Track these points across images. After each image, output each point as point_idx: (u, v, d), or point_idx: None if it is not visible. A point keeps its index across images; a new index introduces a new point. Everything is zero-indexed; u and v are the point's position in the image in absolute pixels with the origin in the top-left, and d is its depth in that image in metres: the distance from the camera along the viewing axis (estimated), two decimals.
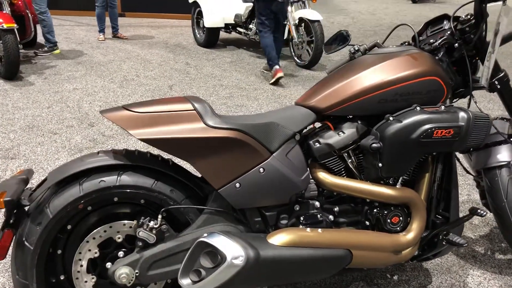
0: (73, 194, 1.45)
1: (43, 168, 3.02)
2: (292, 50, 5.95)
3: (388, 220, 1.70)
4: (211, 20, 6.45)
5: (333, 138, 1.67)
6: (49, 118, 3.88)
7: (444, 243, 1.73)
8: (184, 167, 1.67)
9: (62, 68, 5.35)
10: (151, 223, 1.50)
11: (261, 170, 1.54)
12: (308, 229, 1.58)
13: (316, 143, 1.67)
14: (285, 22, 5.93)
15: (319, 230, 1.59)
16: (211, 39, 6.73)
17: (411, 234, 1.69)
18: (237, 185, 1.53)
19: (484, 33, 1.82)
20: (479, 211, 1.71)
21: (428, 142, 1.59)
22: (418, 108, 1.63)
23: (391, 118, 1.62)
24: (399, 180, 1.73)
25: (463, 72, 1.89)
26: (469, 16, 1.81)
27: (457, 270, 2.09)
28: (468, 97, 1.88)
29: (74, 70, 5.32)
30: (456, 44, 1.83)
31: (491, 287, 1.99)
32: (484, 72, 1.80)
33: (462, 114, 1.62)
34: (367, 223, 1.73)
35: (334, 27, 8.45)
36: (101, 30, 6.83)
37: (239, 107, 4.35)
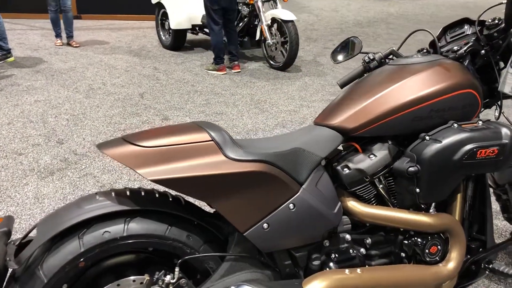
0: (72, 251, 1.19)
1: (10, 196, 2.68)
2: (265, 52, 5.75)
3: (427, 251, 1.52)
4: (177, 21, 6.15)
5: (364, 162, 1.48)
6: (11, 136, 3.51)
7: (487, 272, 1.58)
8: (197, 204, 1.44)
9: (19, 78, 4.93)
10: (167, 278, 1.26)
11: (291, 206, 1.33)
12: (347, 271, 1.38)
13: (346, 169, 1.47)
14: (257, 23, 5.74)
15: (358, 270, 1.39)
16: (177, 41, 6.43)
17: (451, 263, 1.53)
18: (265, 225, 1.31)
19: None
20: None
21: (471, 164, 1.42)
22: (455, 125, 1.46)
23: (427, 138, 1.44)
24: (432, 205, 1.56)
25: (486, 80, 1.74)
26: (497, 21, 1.66)
27: None
28: (495, 107, 1.73)
29: (33, 79, 4.91)
30: (483, 51, 1.68)
31: None
32: (509, 79, 1.66)
33: (505, 131, 1.46)
34: (403, 254, 1.55)
35: (300, 25, 8.31)
36: (58, 35, 6.38)
37: (218, 114, 4.11)
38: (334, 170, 1.50)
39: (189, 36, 6.74)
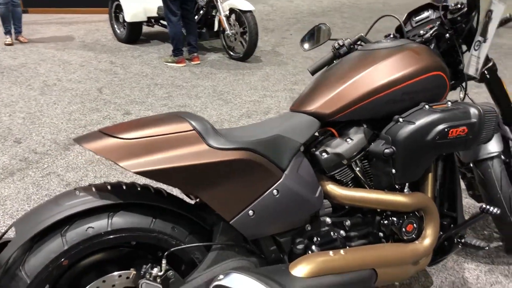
0: (56, 249, 1.15)
1: None
2: (224, 43, 5.71)
3: (403, 229, 1.57)
4: (132, 14, 5.99)
5: (341, 146, 1.50)
6: None
7: (460, 246, 1.65)
8: (179, 196, 1.42)
9: None
10: (155, 271, 1.24)
11: (275, 192, 1.34)
12: (331, 253, 1.41)
13: (324, 154, 1.49)
14: (215, 14, 5.69)
15: (341, 252, 1.42)
16: (133, 34, 6.27)
17: (427, 240, 1.59)
18: (250, 212, 1.31)
19: (476, 22, 1.75)
20: (491, 209, 1.65)
21: (443, 143, 1.48)
22: (426, 106, 1.51)
23: (401, 120, 1.49)
24: (406, 185, 1.62)
25: (450, 63, 1.81)
26: (459, 5, 1.73)
27: (452, 265, 2.05)
28: (459, 89, 1.81)
29: None
30: (447, 35, 1.74)
31: (489, 279, 1.97)
32: (472, 62, 1.73)
33: (473, 110, 1.52)
34: (381, 234, 1.60)
35: (256, 16, 8.29)
36: (7, 32, 6.07)
37: (181, 107, 4.05)
38: (313, 155, 1.52)
39: (145, 28, 6.59)
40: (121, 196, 1.24)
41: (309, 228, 1.48)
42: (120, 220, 1.22)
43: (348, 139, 1.52)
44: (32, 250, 1.15)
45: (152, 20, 6.21)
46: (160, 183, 1.27)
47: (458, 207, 1.71)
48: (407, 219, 1.58)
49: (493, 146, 1.91)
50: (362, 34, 1.84)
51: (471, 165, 1.99)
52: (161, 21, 6.12)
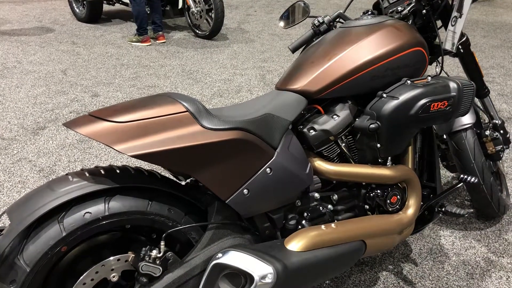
0: (54, 236, 1.13)
1: None
2: (189, 21, 5.61)
3: (388, 201, 1.64)
4: None
5: (328, 123, 1.53)
6: None
7: (441, 215, 1.73)
8: (171, 177, 1.42)
9: None
10: (153, 253, 1.24)
11: (268, 170, 1.36)
12: (323, 227, 1.45)
13: (311, 131, 1.52)
14: None
15: (333, 225, 1.47)
16: (93, 13, 6.06)
17: (410, 210, 1.66)
18: (245, 191, 1.33)
19: None
20: (468, 178, 1.73)
21: (426, 117, 1.53)
22: (409, 82, 1.56)
23: (384, 95, 1.53)
24: (389, 158, 1.67)
25: (426, 39, 1.86)
26: None
27: (429, 233, 2.15)
28: (435, 64, 1.86)
29: None
30: (424, 11, 1.79)
31: (463, 244, 2.08)
32: (449, 37, 1.79)
33: (452, 84, 1.58)
34: (366, 206, 1.66)
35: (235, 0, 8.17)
36: None
37: (151, 87, 3.98)
38: (300, 132, 1.54)
39: (106, 6, 6.38)
40: (116, 180, 1.23)
41: (299, 204, 1.52)
42: (117, 204, 1.21)
43: (334, 116, 1.55)
44: (29, 238, 1.13)
45: None
46: (153, 165, 1.26)
47: (437, 177, 1.79)
48: (391, 191, 1.64)
49: (466, 118, 1.99)
50: (341, 11, 1.86)
51: (445, 136, 2.07)
52: None
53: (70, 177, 1.22)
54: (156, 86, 4.01)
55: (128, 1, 5.77)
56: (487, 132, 2.07)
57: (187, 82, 4.13)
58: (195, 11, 5.37)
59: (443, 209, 1.71)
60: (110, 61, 4.63)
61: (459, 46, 1.91)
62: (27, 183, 2.52)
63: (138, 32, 5.18)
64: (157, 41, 5.28)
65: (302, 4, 1.94)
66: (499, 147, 2.07)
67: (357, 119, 1.57)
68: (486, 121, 2.16)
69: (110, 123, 1.17)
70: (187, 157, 1.21)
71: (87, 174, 1.23)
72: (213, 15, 5.28)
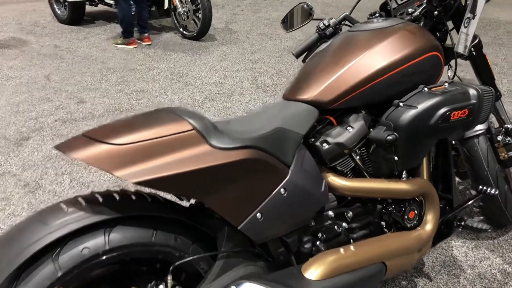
0: (48, 276, 1.00)
1: None
2: (176, 22, 5.45)
3: (406, 217, 1.53)
4: None
5: (342, 135, 1.42)
6: None
7: (460, 229, 1.63)
8: (174, 200, 1.29)
9: None
10: None
11: (282, 191, 1.24)
12: (341, 250, 1.34)
13: (325, 144, 1.41)
14: None
15: (351, 247, 1.36)
16: (76, 14, 5.86)
17: (428, 225, 1.56)
18: (259, 215, 1.21)
19: None
20: (488, 190, 1.64)
21: (446, 126, 1.43)
22: (426, 89, 1.46)
23: (401, 105, 1.42)
24: (404, 171, 1.57)
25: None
26: None
27: (440, 244, 2.06)
28: (447, 68, 1.77)
29: None
30: (436, 12, 1.69)
31: (477, 255, 1.99)
32: (461, 39, 1.69)
33: (472, 91, 1.48)
34: (383, 223, 1.55)
35: None
36: None
37: (139, 92, 3.83)
38: (313, 146, 1.43)
39: (88, 7, 6.18)
40: (116, 208, 1.10)
41: (313, 224, 1.40)
42: (118, 236, 1.08)
43: (348, 127, 1.44)
44: (20, 280, 0.99)
45: None
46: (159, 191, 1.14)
47: (453, 188, 1.69)
48: (408, 206, 1.53)
49: (479, 124, 1.90)
50: (347, 13, 1.76)
51: (453, 142, 1.98)
52: (106, 0, 5.74)
53: (64, 206, 1.09)
54: (144, 91, 3.86)
55: (111, 2, 5.60)
56: (499, 138, 1.98)
57: (176, 86, 3.98)
58: (182, 12, 5.22)
59: (463, 223, 1.61)
60: (95, 65, 4.46)
61: (472, 49, 1.82)
62: (12, 200, 2.36)
63: (123, 35, 5.01)
64: (142, 43, 5.11)
65: (305, 6, 1.83)
66: (511, 153, 1.99)
67: (372, 130, 1.46)
68: (497, 126, 2.07)
69: (108, 146, 1.04)
70: (196, 181, 1.09)
71: (83, 203, 1.09)
72: (200, 16, 5.14)
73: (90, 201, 1.10)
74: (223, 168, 1.11)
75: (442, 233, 1.68)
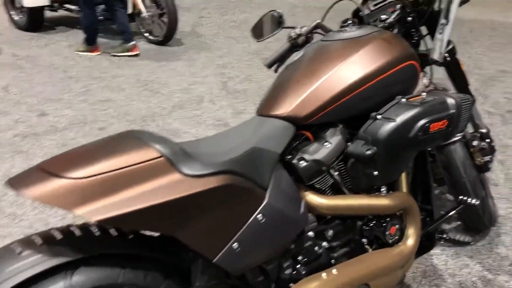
0: None
1: None
2: (140, 26, 5.30)
3: (387, 233, 1.48)
4: None
5: (320, 151, 1.35)
6: None
7: (442, 242, 1.59)
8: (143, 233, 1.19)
9: None
10: None
11: (260, 217, 1.16)
12: (323, 275, 1.27)
13: (302, 162, 1.33)
14: None
15: (334, 271, 1.29)
16: (35, 20, 5.62)
17: (410, 240, 1.51)
18: (235, 246, 1.12)
19: (439, 3, 1.67)
20: (469, 200, 1.60)
21: (426, 139, 1.38)
22: (403, 100, 1.40)
23: (379, 117, 1.36)
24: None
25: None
26: None
27: None
28: (423, 75, 1.73)
29: None
30: (409, 18, 1.64)
31: (457, 262, 1.96)
32: (437, 45, 1.66)
33: (450, 101, 1.44)
34: (364, 240, 1.49)
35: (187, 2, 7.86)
36: None
37: (104, 102, 3.68)
38: (289, 164, 1.35)
39: (48, 13, 5.93)
40: (78, 247, 0.99)
41: (293, 247, 1.33)
42: (81, 279, 0.97)
43: (325, 143, 1.37)
44: None
45: (55, 4, 5.59)
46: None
47: (432, 199, 1.66)
48: (390, 221, 1.48)
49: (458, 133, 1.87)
50: (319, 21, 1.69)
51: (430, 149, 1.94)
52: (66, 5, 5.53)
53: (17, 248, 0.97)
54: (110, 100, 3.71)
55: (73, 7, 5.39)
56: (475, 143, 1.96)
57: (144, 94, 3.85)
58: (147, 16, 5.07)
59: (445, 236, 1.57)
60: (57, 74, 4.27)
61: (446, 55, 1.78)
62: None
63: (87, 42, 4.82)
64: (131, 53, 4.76)
65: (275, 14, 1.76)
66: (487, 158, 1.97)
67: (350, 145, 1.40)
68: (471, 131, 2.05)
69: (66, 180, 0.93)
70: (166, 215, 1.00)
71: (40, 242, 0.98)
72: (166, 20, 5.01)
73: (48, 240, 0.99)
74: (196, 197, 1.02)
75: (423, 246, 1.63)
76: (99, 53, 4.83)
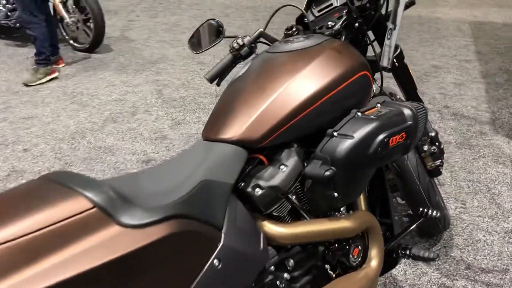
0: None
1: None
2: (64, 33, 4.93)
3: (350, 256, 1.38)
4: None
5: (276, 177, 1.22)
6: None
7: (406, 258, 1.52)
8: None
9: None
10: None
11: (216, 262, 1.01)
12: None
13: (257, 189, 1.20)
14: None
15: None
16: None
17: (374, 261, 1.42)
18: None
19: (386, 8, 1.60)
20: (430, 212, 1.54)
21: (386, 154, 1.29)
22: (359, 114, 1.30)
23: (335, 134, 1.26)
24: None
25: None
26: None
27: None
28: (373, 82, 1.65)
29: None
30: (356, 24, 1.56)
31: (415, 271, 1.92)
32: (386, 51, 1.58)
33: (407, 111, 1.36)
34: (326, 266, 1.38)
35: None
36: None
37: (27, 119, 3.35)
38: (243, 192, 1.21)
39: None
40: None
41: (253, 286, 1.19)
42: None
43: (281, 166, 1.24)
44: None
45: None
46: None
47: (392, 213, 1.58)
48: (352, 243, 1.38)
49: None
50: (261, 29, 1.56)
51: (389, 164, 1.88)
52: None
53: None
54: (34, 117, 3.38)
55: (12, 23, 4.86)
56: (425, 147, 1.92)
57: (71, 108, 3.55)
58: (70, 22, 4.72)
59: (408, 252, 1.50)
60: None
61: (394, 60, 1.72)
62: None
63: (43, 64, 4.02)
64: (58, 66, 4.36)
65: (214, 23, 1.60)
66: (438, 162, 1.94)
67: (307, 165, 1.28)
68: None
69: None
70: (107, 277, 0.82)
71: None
72: (92, 25, 4.68)
73: None
74: (140, 252, 0.86)
75: (386, 263, 1.55)
76: (56, 74, 4.17)
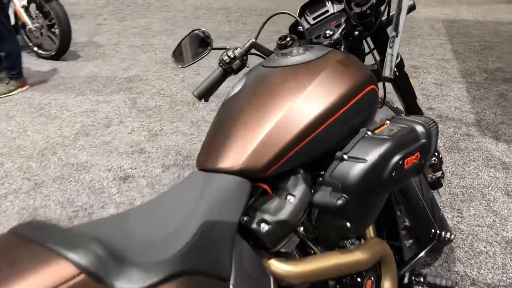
0: None
1: None
2: (27, 40, 4.65)
3: None
4: None
5: (284, 210, 1.08)
6: None
7: (421, 286, 1.40)
8: None
9: None
10: None
11: None
12: None
13: (263, 225, 1.06)
14: (7, 2, 4.57)
15: None
16: None
17: None
18: None
19: (387, 15, 1.48)
20: (443, 235, 1.43)
21: (400, 177, 1.17)
22: (369, 133, 1.18)
23: (346, 157, 1.13)
24: None
25: None
26: None
27: None
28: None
29: None
30: (356, 32, 1.44)
31: None
32: (388, 60, 1.47)
33: (419, 128, 1.24)
34: None
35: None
36: None
37: None
38: (247, 228, 1.07)
39: None
40: None
41: None
42: None
43: (288, 196, 1.10)
44: None
45: None
46: None
47: (400, 235, 1.47)
48: (365, 275, 1.26)
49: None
50: (253, 40, 1.42)
51: None
52: None
53: None
54: None
55: None
56: None
57: (39, 121, 3.31)
58: (33, 28, 4.45)
59: (423, 280, 1.39)
60: None
61: (395, 69, 1.61)
62: None
63: (14, 76, 3.83)
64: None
65: (201, 34, 1.46)
66: (439, 173, 1.84)
67: (314, 192, 1.14)
68: None
69: None
70: None
71: None
72: (57, 31, 4.43)
73: None
74: None
75: None
76: (27, 87, 3.94)
